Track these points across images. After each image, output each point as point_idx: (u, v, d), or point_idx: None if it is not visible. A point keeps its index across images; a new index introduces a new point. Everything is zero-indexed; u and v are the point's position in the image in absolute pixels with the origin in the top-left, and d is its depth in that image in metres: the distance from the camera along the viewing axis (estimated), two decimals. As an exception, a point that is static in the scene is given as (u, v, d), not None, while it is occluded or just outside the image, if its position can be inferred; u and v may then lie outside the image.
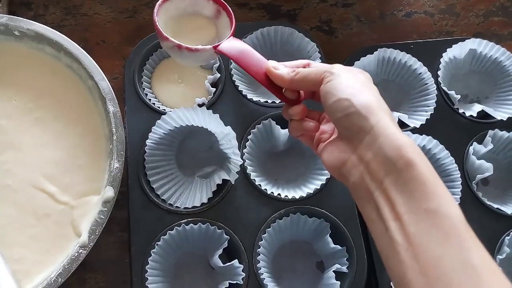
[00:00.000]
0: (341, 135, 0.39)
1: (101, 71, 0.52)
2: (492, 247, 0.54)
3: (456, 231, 0.31)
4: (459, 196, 0.55)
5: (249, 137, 0.56)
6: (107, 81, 0.51)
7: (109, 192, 0.47)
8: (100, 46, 0.63)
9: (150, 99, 0.57)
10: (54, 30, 0.53)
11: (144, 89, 0.57)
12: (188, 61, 0.47)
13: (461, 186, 0.55)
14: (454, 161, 0.56)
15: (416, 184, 0.32)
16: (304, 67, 0.43)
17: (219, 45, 0.45)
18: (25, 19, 0.53)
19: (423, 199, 0.32)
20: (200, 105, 0.56)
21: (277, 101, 0.57)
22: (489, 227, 0.55)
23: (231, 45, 0.45)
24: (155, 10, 0.46)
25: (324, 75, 0.40)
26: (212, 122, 0.53)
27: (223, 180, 0.52)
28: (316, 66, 0.42)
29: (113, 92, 0.51)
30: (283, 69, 0.42)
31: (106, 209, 0.47)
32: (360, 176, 0.36)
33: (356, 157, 0.37)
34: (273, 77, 0.43)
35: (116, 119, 0.50)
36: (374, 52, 0.59)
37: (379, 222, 0.34)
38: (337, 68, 0.40)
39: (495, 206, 0.56)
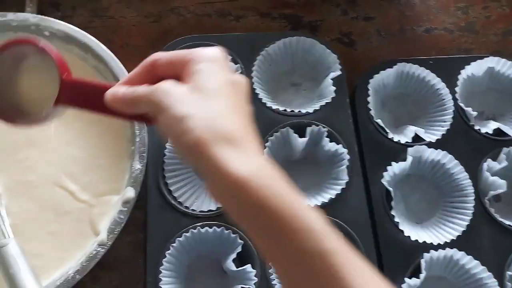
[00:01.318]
0: None
1: (127, 73, 0.53)
2: (503, 262, 0.54)
3: None
4: (471, 212, 0.55)
5: (266, 144, 0.57)
6: (132, 84, 0.53)
7: (130, 193, 0.49)
8: (124, 49, 0.64)
9: (171, 103, 0.58)
10: (83, 32, 0.55)
11: (166, 92, 0.59)
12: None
13: (474, 202, 0.55)
14: (468, 176, 0.56)
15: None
16: (151, 70, 0.35)
17: (57, 101, 0.36)
18: (55, 20, 0.55)
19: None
20: (220, 111, 0.57)
21: (296, 110, 0.58)
22: (500, 243, 0.55)
23: (67, 94, 0.36)
24: None
25: (152, 109, 0.32)
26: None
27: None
28: (166, 64, 0.34)
29: (137, 95, 0.52)
30: (120, 95, 0.34)
31: (126, 209, 0.48)
32: None
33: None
34: (116, 108, 0.35)
35: (139, 121, 0.51)
36: (394, 66, 0.60)
37: None
38: (166, 87, 0.32)
39: (507, 222, 0.56)
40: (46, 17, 0.55)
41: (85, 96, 0.37)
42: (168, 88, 0.31)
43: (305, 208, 0.28)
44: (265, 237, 0.28)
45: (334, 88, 0.57)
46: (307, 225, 0.27)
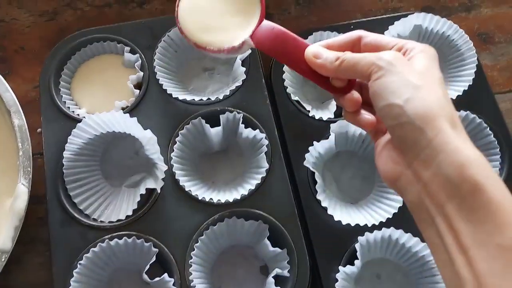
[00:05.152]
0: (395, 143, 0.33)
1: (5, 81, 0.48)
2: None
3: None
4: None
5: (177, 139, 0.51)
6: (12, 92, 0.47)
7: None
8: (19, 54, 0.59)
9: (69, 107, 0.53)
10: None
11: (62, 96, 0.53)
12: (222, 57, 0.41)
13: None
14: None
15: (486, 213, 0.28)
16: (355, 44, 0.36)
17: (253, 36, 0.38)
18: None
19: (496, 231, 0.27)
20: (123, 109, 0.52)
21: (205, 98, 0.53)
22: None
23: (265, 32, 0.38)
24: (176, 16, 0.39)
25: (371, 69, 0.33)
26: (132, 127, 0.49)
27: (150, 189, 0.48)
28: (372, 42, 0.35)
29: (18, 104, 0.47)
30: (325, 56, 0.36)
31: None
32: (417, 196, 0.31)
33: (411, 173, 0.32)
34: (315, 68, 0.36)
35: (21, 133, 0.46)
36: (309, 37, 0.55)
37: (443, 251, 0.30)
38: (391, 57, 0.33)
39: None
40: None
41: (278, 44, 0.37)
42: (400, 56, 0.33)
43: None
44: (472, 221, 0.28)
45: (244, 69, 0.52)
46: None
